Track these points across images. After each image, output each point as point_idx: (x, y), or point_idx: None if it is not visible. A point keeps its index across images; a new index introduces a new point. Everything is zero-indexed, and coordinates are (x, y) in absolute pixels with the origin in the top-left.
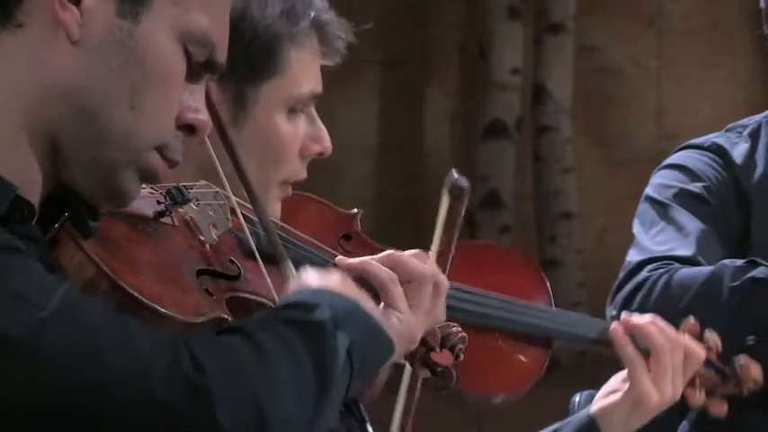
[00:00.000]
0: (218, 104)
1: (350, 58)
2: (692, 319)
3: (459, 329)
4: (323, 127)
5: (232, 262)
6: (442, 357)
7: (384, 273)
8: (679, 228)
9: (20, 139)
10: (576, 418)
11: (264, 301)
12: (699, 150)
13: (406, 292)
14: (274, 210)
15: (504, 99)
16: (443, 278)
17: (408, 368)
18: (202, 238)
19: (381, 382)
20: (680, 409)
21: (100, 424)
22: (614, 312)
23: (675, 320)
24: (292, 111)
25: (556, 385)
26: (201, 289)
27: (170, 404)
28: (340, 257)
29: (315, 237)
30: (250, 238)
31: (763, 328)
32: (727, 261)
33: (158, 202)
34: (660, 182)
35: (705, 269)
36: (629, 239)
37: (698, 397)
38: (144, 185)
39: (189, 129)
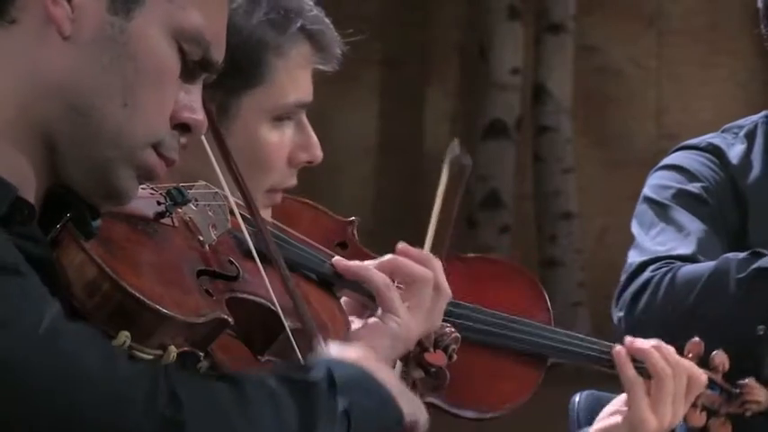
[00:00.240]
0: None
1: (350, 58)
2: (696, 339)
3: (453, 330)
4: (313, 135)
5: (231, 262)
6: (436, 358)
7: (380, 278)
8: (679, 228)
9: (15, 137)
10: None
11: (263, 301)
12: (695, 151)
13: (406, 295)
14: (264, 218)
15: (504, 99)
16: (443, 280)
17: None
18: (202, 239)
19: None
20: None
21: None
22: (621, 314)
23: (683, 318)
24: (279, 119)
25: (556, 385)
26: (202, 289)
27: None
28: (337, 258)
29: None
30: (248, 238)
31: None
32: (729, 254)
33: (158, 203)
34: (658, 183)
35: (708, 264)
36: (629, 239)
37: (699, 418)
38: (144, 186)
39: (184, 128)
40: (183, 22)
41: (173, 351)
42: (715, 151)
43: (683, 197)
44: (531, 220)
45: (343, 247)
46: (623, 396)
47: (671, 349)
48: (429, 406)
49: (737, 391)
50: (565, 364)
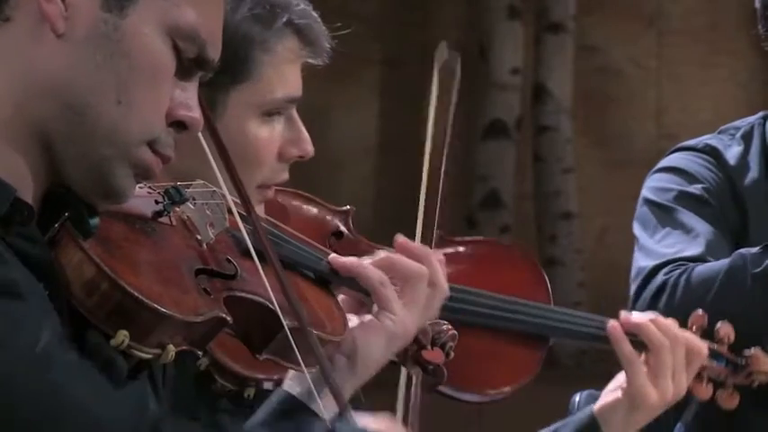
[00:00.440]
0: None
1: (350, 58)
2: (699, 312)
3: (450, 327)
4: (303, 130)
5: (229, 261)
6: (434, 355)
7: (375, 275)
8: (686, 230)
9: (12, 136)
10: (578, 416)
11: (261, 300)
12: (693, 152)
13: (401, 291)
14: (257, 213)
15: (504, 99)
16: (439, 276)
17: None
18: (200, 238)
19: None
20: (676, 410)
21: None
22: None
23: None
24: (268, 115)
25: (556, 385)
26: (200, 288)
27: None
28: (333, 256)
29: (304, 235)
30: (246, 237)
31: None
32: (743, 250)
33: (156, 202)
34: (658, 185)
35: (722, 262)
36: (629, 239)
37: (705, 390)
38: (142, 185)
39: (180, 125)
40: (177, 20)
41: (171, 350)
42: (712, 152)
43: (685, 199)
44: (531, 220)
45: (339, 237)
46: (623, 373)
47: (668, 321)
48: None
49: (743, 362)
50: (565, 363)
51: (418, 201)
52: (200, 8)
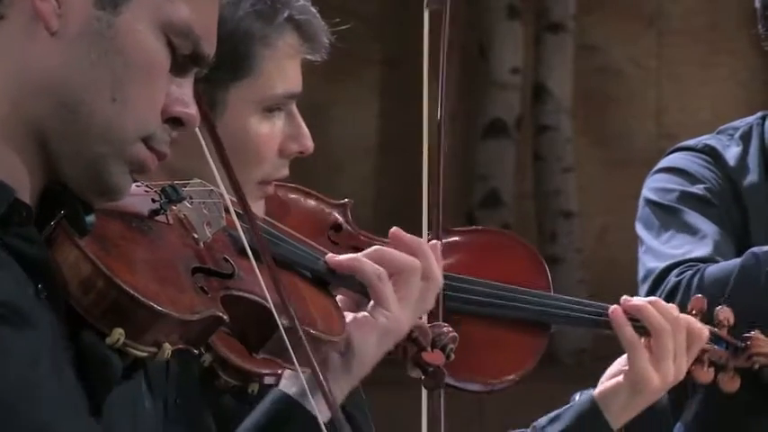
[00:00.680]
0: None
1: (350, 57)
2: (699, 296)
3: (451, 329)
4: (303, 125)
5: (226, 260)
6: (434, 357)
7: (372, 270)
8: (692, 230)
9: (8, 135)
10: (579, 401)
11: (258, 299)
12: (692, 152)
13: (394, 285)
14: (257, 209)
15: (504, 98)
16: (433, 268)
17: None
18: (196, 237)
19: None
20: (674, 410)
21: None
22: None
23: None
24: (269, 110)
25: (556, 383)
26: (196, 287)
27: None
28: (330, 255)
29: (303, 228)
30: (243, 236)
31: None
32: (754, 249)
33: (153, 201)
34: (659, 185)
35: (733, 262)
36: (629, 238)
37: (705, 374)
38: (139, 183)
39: (176, 122)
40: (171, 16)
41: (167, 348)
42: (711, 153)
43: (688, 199)
44: (531, 219)
45: (338, 230)
46: (624, 357)
47: (669, 305)
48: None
49: (743, 344)
50: (565, 362)
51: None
52: (194, 4)
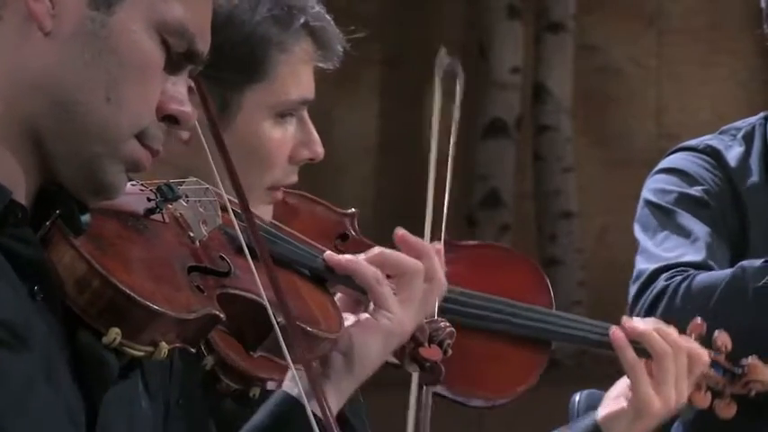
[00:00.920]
0: (200, 105)
1: (350, 58)
2: (698, 320)
3: (448, 325)
4: (314, 132)
5: (222, 258)
6: (431, 353)
7: (371, 273)
8: (686, 233)
9: (3, 135)
10: (581, 423)
11: (255, 297)
12: (693, 153)
13: (397, 287)
14: (264, 214)
15: (504, 98)
16: (437, 270)
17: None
18: (192, 235)
19: None
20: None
21: None
22: None
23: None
24: (281, 116)
25: (556, 385)
26: (192, 285)
27: None
28: (329, 253)
29: (310, 236)
30: (240, 234)
31: None
32: (744, 263)
33: (149, 199)
34: (658, 186)
35: (724, 273)
36: (629, 239)
37: (704, 398)
38: (135, 182)
39: (172, 120)
40: (165, 15)
41: (164, 347)
42: (713, 153)
43: (685, 201)
44: (531, 220)
45: (344, 239)
46: (624, 380)
47: (670, 329)
48: (435, 396)
49: (741, 371)
50: (565, 363)
51: (425, 204)
52: (188, 3)
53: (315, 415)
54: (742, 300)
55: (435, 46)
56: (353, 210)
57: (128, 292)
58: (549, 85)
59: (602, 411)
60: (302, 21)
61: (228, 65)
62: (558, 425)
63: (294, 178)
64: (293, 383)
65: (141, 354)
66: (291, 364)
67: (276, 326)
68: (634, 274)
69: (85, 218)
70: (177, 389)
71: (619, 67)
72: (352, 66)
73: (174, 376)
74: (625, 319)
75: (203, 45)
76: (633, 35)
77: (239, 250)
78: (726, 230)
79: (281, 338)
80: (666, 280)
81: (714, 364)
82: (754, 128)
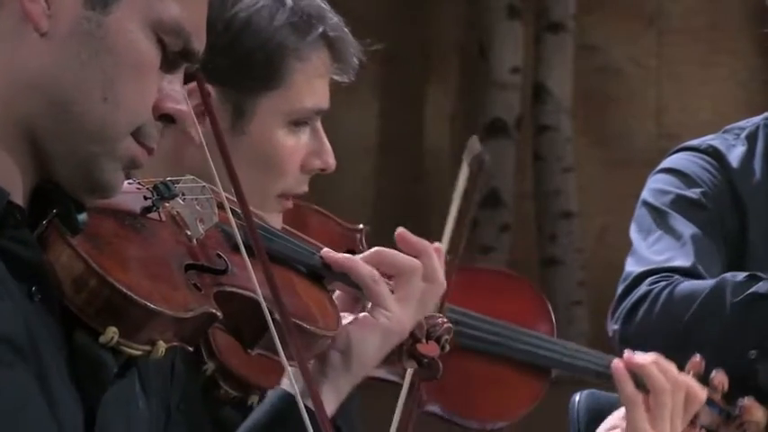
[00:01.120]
0: (216, 110)
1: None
2: (697, 357)
3: (446, 320)
4: (326, 142)
5: (219, 256)
6: (429, 349)
7: (367, 272)
8: (677, 236)
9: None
10: None
11: (252, 295)
12: (695, 153)
13: (395, 286)
14: (274, 222)
15: (504, 98)
16: (435, 269)
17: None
18: (189, 233)
19: None
20: None
21: None
22: (616, 327)
23: (679, 335)
24: (295, 124)
25: (556, 385)
26: (190, 284)
27: None
28: (326, 250)
29: None
30: (237, 232)
31: (764, 342)
32: (728, 275)
33: (145, 198)
34: (657, 187)
35: (706, 283)
36: (629, 239)
37: None
38: (131, 181)
39: (168, 119)
40: (161, 14)
41: (161, 346)
42: (715, 154)
43: (681, 203)
44: (531, 220)
45: (353, 255)
46: (622, 410)
47: (670, 365)
48: (432, 416)
49: (736, 411)
50: None
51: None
52: (184, 1)
53: (310, 411)
54: (719, 313)
55: (435, 46)
56: (362, 226)
57: (125, 291)
58: (549, 85)
59: None
60: (320, 30)
61: (245, 71)
62: (558, 425)
63: (305, 188)
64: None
65: (139, 353)
66: (285, 362)
67: (270, 323)
68: (623, 274)
69: (82, 217)
70: (178, 393)
71: (619, 67)
72: None
73: (175, 380)
74: (626, 353)
75: (199, 43)
76: (633, 35)
77: (236, 248)
78: (723, 233)
79: (275, 336)
80: (650, 285)
81: (710, 402)
82: (757, 128)
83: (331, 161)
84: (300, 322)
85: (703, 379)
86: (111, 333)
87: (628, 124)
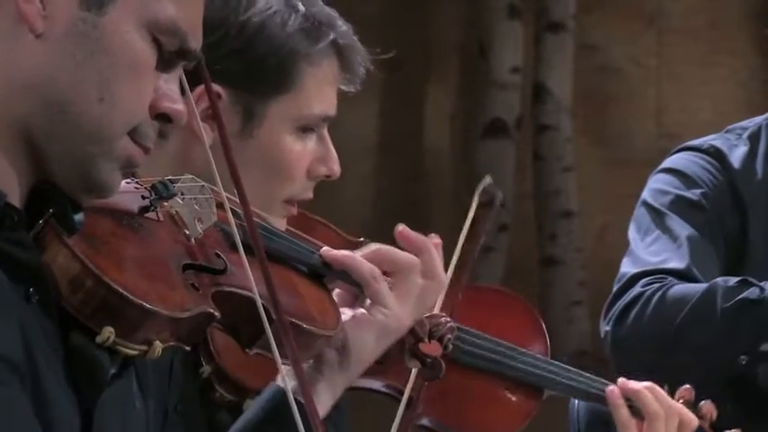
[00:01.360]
0: (227, 112)
1: None
2: (687, 386)
3: (449, 320)
4: (333, 150)
5: (218, 256)
6: (432, 348)
7: (367, 269)
8: (673, 237)
9: None
10: None
11: (250, 294)
12: (697, 153)
13: (394, 283)
14: (278, 227)
15: (504, 98)
16: (435, 266)
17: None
18: (188, 233)
19: None
20: None
21: None
22: (608, 328)
23: (669, 338)
24: (303, 130)
25: None
26: (187, 284)
27: None
28: (325, 248)
29: None
30: (236, 231)
31: (754, 348)
32: (719, 280)
33: (143, 197)
34: (657, 187)
35: (698, 287)
36: (628, 239)
37: None
38: (129, 180)
39: (164, 118)
40: (157, 14)
41: (158, 346)
42: (716, 154)
43: (680, 204)
44: (530, 219)
45: None
46: None
47: (663, 392)
48: (423, 430)
49: None
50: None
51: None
52: (180, 0)
53: (301, 408)
54: (709, 317)
55: (435, 46)
56: (363, 239)
57: (121, 291)
58: (549, 84)
59: None
60: (331, 37)
61: (257, 75)
62: (558, 425)
63: (310, 194)
64: (288, 379)
65: (135, 353)
66: (279, 360)
67: (266, 322)
68: (618, 274)
69: (78, 216)
70: (176, 394)
71: (619, 66)
72: None
73: (173, 381)
74: (621, 380)
75: (196, 42)
76: (633, 35)
77: (235, 247)
78: (721, 234)
79: (270, 335)
80: (643, 286)
81: (699, 430)
82: (760, 128)
83: (336, 168)
84: (299, 322)
85: (693, 407)
86: (108, 333)
87: (628, 124)
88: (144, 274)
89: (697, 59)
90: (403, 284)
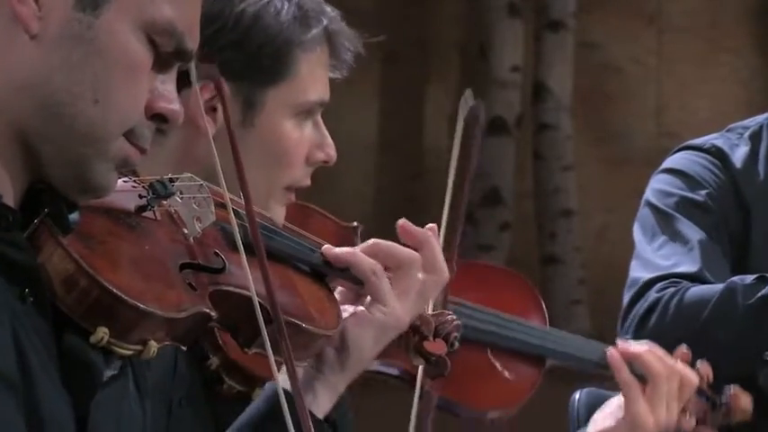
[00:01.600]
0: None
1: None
2: (684, 347)
3: (455, 318)
4: (328, 135)
5: (217, 255)
6: (436, 347)
7: (368, 264)
8: (683, 240)
9: None
10: None
11: (248, 294)
12: (698, 153)
13: (394, 279)
14: (278, 215)
15: (504, 96)
16: (437, 259)
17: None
18: (186, 232)
19: None
20: None
21: None
22: (628, 336)
23: (693, 340)
24: (300, 116)
25: (556, 383)
26: (185, 283)
27: None
28: (327, 246)
29: None
30: (236, 229)
31: None
32: (736, 278)
33: (140, 196)
34: (661, 188)
35: (715, 287)
36: (629, 237)
37: (688, 422)
38: (127, 179)
39: (161, 118)
40: (153, 15)
41: (153, 346)
42: (717, 154)
43: (686, 206)
44: (531, 218)
45: None
46: (615, 399)
47: (663, 352)
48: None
49: (723, 399)
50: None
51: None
52: (176, 1)
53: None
54: (731, 316)
55: (435, 44)
56: (356, 224)
57: (115, 291)
58: (549, 83)
59: (596, 428)
60: (324, 23)
61: (255, 65)
62: (558, 423)
63: (308, 181)
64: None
65: (130, 353)
66: (272, 359)
67: (262, 323)
68: (628, 281)
69: (74, 216)
70: (181, 390)
71: (619, 65)
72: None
73: (177, 377)
74: (621, 342)
75: (192, 43)
76: (633, 33)
77: (235, 246)
78: (727, 234)
79: (265, 335)
80: (658, 292)
81: (699, 391)
82: (761, 127)
83: (333, 153)
84: (298, 321)
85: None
86: (102, 333)
87: (628, 123)
88: (140, 274)
89: (697, 58)
90: (404, 280)
